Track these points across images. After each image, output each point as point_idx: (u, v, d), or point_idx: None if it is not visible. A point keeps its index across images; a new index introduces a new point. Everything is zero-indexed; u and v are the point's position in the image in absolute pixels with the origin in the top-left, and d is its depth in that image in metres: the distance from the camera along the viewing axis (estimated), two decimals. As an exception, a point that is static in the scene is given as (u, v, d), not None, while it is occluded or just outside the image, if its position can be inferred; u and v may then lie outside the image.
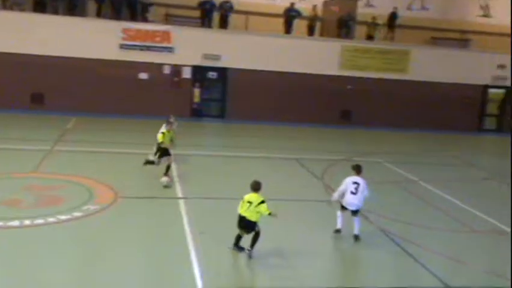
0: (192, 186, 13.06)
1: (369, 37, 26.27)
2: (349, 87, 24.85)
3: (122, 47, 22.61)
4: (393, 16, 26.29)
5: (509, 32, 26.19)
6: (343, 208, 10.32)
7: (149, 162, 13.42)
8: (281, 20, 24.95)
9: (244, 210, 8.97)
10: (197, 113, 24.04)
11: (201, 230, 10.03)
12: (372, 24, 26.13)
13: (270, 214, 8.90)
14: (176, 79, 23.57)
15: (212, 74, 24.19)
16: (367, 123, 24.73)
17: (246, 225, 9.00)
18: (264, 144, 19.32)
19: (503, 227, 11.82)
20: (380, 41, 26.19)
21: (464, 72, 25.64)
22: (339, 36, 25.62)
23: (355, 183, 10.16)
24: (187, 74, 23.71)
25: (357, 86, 24.84)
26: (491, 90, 26.84)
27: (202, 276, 8.21)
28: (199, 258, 8.85)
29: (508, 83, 26.30)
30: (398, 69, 25.37)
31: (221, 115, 24.51)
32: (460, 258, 9.89)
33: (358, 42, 25.42)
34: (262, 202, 8.90)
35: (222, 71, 24.13)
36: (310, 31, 25.54)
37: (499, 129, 27.06)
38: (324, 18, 25.97)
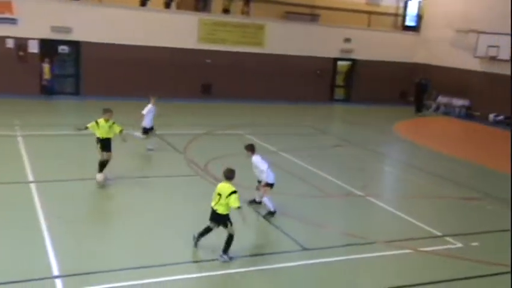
0: (43, 169, 12.29)
1: (226, 11, 26.45)
2: (208, 61, 24.92)
3: (-44, 18, 20.33)
4: (248, -10, 26.72)
5: (355, 7, 28.20)
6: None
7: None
8: (136, -8, 24.14)
9: (215, 203, 8.25)
10: (48, 90, 22.45)
11: (56, 214, 9.54)
12: (228, -2, 26.35)
13: (238, 208, 8.12)
14: (21, 53, 21.76)
15: (63, 48, 22.71)
16: (227, 97, 25.07)
17: (215, 218, 8.30)
18: (123, 121, 18.66)
19: (354, 190, 12.80)
20: (237, 14, 26.52)
21: (316, 45, 27.03)
22: (196, 9, 25.46)
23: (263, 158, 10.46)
24: (33, 48, 21.99)
25: (216, 59, 25.00)
26: (340, 63, 28.68)
27: (57, 261, 7.87)
28: (54, 243, 8.45)
29: (353, 56, 28.29)
30: (254, 42, 25.95)
31: (75, 92, 23.20)
32: (318, 222, 10.55)
33: (215, 16, 25.50)
34: (233, 193, 8.08)
35: (75, 45, 22.76)
36: (167, 4, 25.02)
37: (347, 99, 29.13)
38: (180, -10, 25.60)
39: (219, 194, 8.18)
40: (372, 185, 13.48)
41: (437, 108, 28.16)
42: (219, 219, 8.30)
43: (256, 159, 10.44)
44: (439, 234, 10.36)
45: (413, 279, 8.18)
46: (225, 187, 8.18)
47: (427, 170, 15.57)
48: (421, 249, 9.52)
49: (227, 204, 8.14)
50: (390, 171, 15.67)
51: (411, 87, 28.44)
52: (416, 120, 26.01)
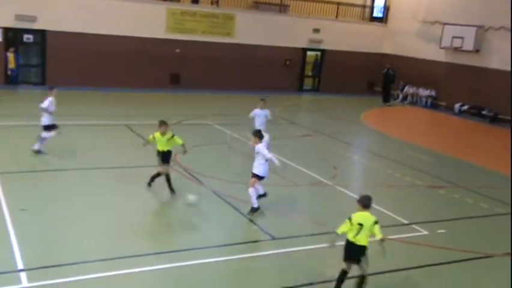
0: (7, 160, 12.02)
1: (194, 0, 26.20)
2: (177, 50, 24.67)
3: None
4: (216, -21, 26.52)
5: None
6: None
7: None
8: (103, -20, 23.66)
9: (354, 235, 7.14)
10: (13, 80, 21.92)
11: (20, 206, 9.36)
12: (197, -13, 26.10)
13: (382, 240, 7.12)
14: (-16, 43, 21.18)
15: (28, 37, 22.16)
16: (196, 87, 24.91)
17: (356, 252, 7.19)
18: (90, 112, 18.43)
19: (323, 179, 12.91)
20: (206, 4, 26.30)
21: (285, 35, 27.07)
22: (164, -2, 25.19)
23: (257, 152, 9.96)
24: (-3, 36, 21.43)
25: (185, 49, 24.78)
26: (309, 53, 28.77)
27: (21, 254, 7.73)
28: (18, 235, 8.29)
29: (322, 46, 28.43)
30: (224, 32, 25.81)
31: (41, 81, 22.68)
32: (286, 211, 10.60)
33: (184, 6, 25.23)
34: (376, 223, 7.15)
35: (41, 34, 22.23)
36: (135, -8, 24.63)
37: (316, 89, 29.31)
38: (148, -21, 25.22)
39: (360, 224, 7.13)
40: (340, 175, 13.61)
41: (404, 98, 28.59)
42: (360, 252, 7.25)
43: (262, 146, 10.04)
44: (406, 222, 10.55)
45: (379, 267, 8.29)
46: (365, 216, 7.20)
47: (395, 159, 15.81)
48: (388, 237, 9.65)
49: (369, 236, 7.19)
50: (359, 161, 15.85)
51: (379, 78, 28.78)
52: (383, 110, 26.36)
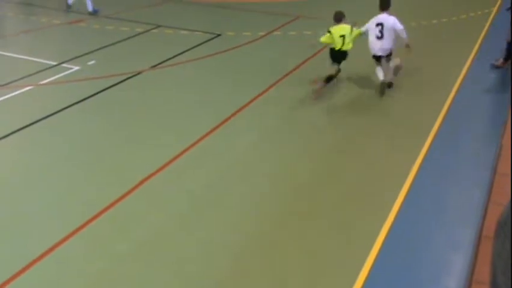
0: None
1: None
2: None
3: None
4: None
5: None
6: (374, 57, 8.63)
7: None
8: None
9: (341, 45, 8.39)
10: None
11: None
12: None
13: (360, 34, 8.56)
14: None
15: None
16: None
17: (342, 56, 8.53)
18: None
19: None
20: None
21: None
22: None
23: (378, 24, 8.32)
24: None
25: None
26: None
27: None
28: None
29: None
30: None
31: None
32: None
33: None
34: (351, 28, 8.44)
35: None
36: None
37: None
38: None
39: (342, 36, 8.34)
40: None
41: None
42: (345, 55, 8.52)
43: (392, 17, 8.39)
44: (55, 63, 10.24)
45: (41, 113, 8.06)
46: (343, 28, 8.40)
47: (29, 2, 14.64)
48: (42, 82, 9.35)
49: (352, 41, 8.45)
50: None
51: None
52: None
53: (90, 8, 13.73)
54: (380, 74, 8.57)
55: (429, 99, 8.38)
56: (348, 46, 8.45)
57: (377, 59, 8.55)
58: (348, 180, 6.17)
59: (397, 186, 5.88)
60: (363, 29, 8.55)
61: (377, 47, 8.38)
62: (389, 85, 8.67)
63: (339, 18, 8.49)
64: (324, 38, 8.54)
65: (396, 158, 6.57)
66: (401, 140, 7.12)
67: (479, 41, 11.08)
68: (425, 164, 6.39)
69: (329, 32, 8.42)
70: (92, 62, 10.36)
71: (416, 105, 8.19)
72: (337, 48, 8.46)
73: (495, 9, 13.57)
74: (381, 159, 6.58)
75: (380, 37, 8.32)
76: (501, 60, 9.48)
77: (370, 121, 7.71)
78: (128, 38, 11.99)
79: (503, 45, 9.46)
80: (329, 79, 8.56)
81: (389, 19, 8.31)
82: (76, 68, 10.05)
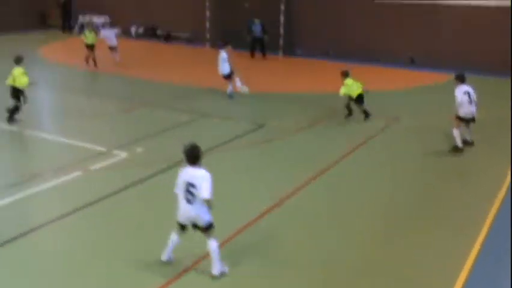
0: None
1: None
2: None
3: None
4: None
5: None
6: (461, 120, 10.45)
7: None
8: None
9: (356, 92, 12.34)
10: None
11: None
12: None
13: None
14: None
15: None
16: None
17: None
18: None
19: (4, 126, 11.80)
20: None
21: None
22: None
23: (466, 92, 10.21)
24: None
25: None
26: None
27: None
28: None
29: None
30: None
31: None
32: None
33: None
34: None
35: None
36: None
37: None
38: None
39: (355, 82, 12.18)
40: (27, 118, 12.43)
41: (82, 27, 27.37)
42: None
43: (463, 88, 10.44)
44: (104, 150, 10.47)
45: (88, 199, 8.15)
46: (353, 81, 12.39)
47: (83, 90, 15.40)
48: (90, 168, 9.53)
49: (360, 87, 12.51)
50: (46, 99, 14.86)
51: (55, 10, 27.39)
52: (62, 42, 25.08)
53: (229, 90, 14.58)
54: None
55: None
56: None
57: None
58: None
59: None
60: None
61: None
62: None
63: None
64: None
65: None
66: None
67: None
68: None
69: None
70: (140, 149, 10.50)
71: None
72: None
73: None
74: None
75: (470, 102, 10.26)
76: None
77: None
78: (178, 126, 12.27)
79: None
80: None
81: None
82: (123, 155, 10.20)
